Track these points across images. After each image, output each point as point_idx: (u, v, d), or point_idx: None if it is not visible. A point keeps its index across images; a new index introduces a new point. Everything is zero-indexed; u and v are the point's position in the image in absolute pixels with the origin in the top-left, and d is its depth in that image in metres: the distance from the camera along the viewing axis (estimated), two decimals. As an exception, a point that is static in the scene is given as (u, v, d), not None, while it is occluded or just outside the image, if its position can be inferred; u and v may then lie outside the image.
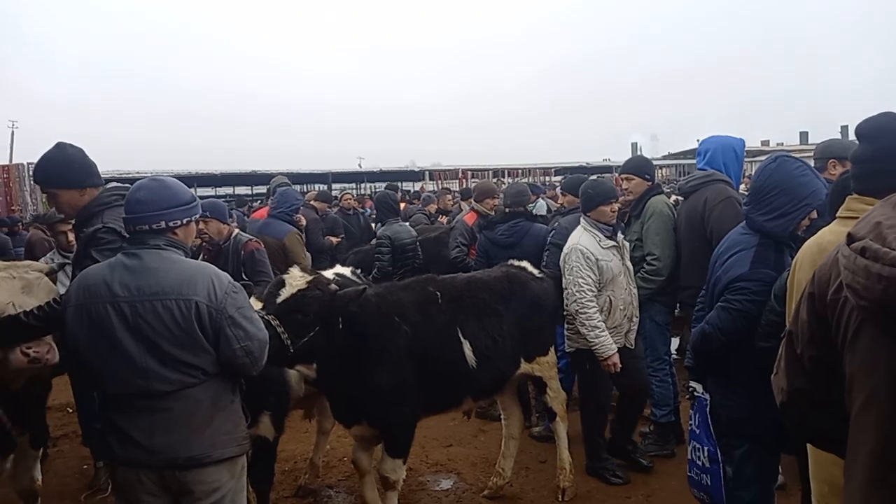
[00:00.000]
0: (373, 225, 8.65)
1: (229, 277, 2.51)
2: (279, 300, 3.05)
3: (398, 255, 6.15)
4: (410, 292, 3.73)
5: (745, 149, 4.77)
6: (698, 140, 4.85)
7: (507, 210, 5.52)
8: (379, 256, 6.15)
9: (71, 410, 6.23)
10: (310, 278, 3.16)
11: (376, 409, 3.43)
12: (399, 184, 23.53)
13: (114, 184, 3.34)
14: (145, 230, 2.45)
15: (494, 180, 20.30)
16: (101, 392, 2.51)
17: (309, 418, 4.62)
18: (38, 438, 3.59)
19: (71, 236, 4.64)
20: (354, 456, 3.71)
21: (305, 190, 25.92)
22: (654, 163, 6.81)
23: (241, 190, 30.77)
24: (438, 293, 3.74)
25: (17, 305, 2.78)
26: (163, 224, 2.46)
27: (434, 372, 3.55)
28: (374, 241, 6.80)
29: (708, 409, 3.08)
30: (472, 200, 6.68)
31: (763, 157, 4.65)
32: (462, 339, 3.69)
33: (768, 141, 39.64)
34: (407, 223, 7.02)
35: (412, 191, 23.87)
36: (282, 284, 3.12)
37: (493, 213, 6.07)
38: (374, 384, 3.35)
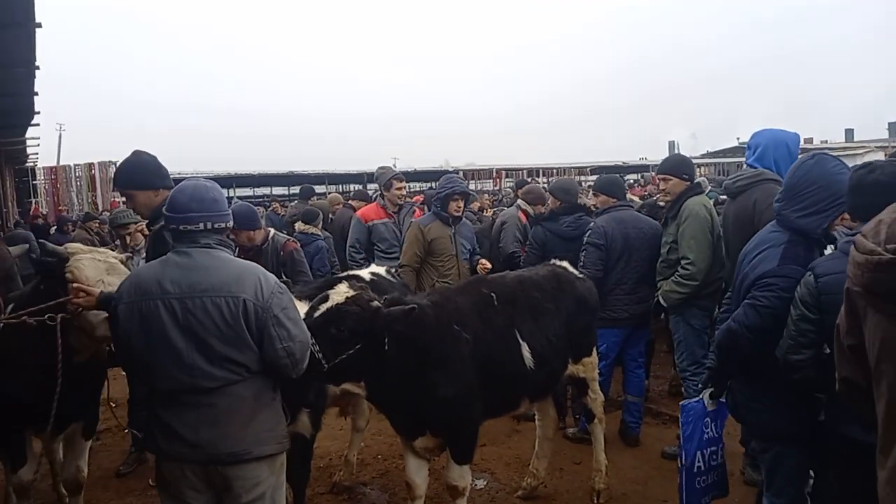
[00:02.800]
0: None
1: (276, 278, 2.57)
2: (316, 314, 2.97)
3: None
4: (466, 296, 3.65)
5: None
6: (738, 139, 4.70)
7: (560, 203, 5.50)
8: None
9: (115, 405, 6.40)
10: (352, 294, 3.04)
11: (443, 419, 3.35)
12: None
13: None
14: (203, 230, 2.52)
15: (529, 180, 20.18)
16: (148, 387, 2.58)
17: (344, 416, 4.67)
18: (90, 429, 3.81)
19: (133, 238, 4.92)
20: (410, 478, 3.54)
21: (342, 190, 26.29)
22: (693, 161, 6.65)
23: (279, 190, 31.25)
24: (493, 295, 3.68)
25: (106, 283, 3.07)
26: (225, 224, 2.57)
27: (495, 376, 3.50)
28: None
29: (704, 417, 3.10)
30: (520, 199, 6.63)
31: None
32: (520, 341, 3.65)
33: (812, 138, 38.60)
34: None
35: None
36: (325, 299, 3.04)
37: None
38: (440, 396, 3.25)
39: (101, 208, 18.40)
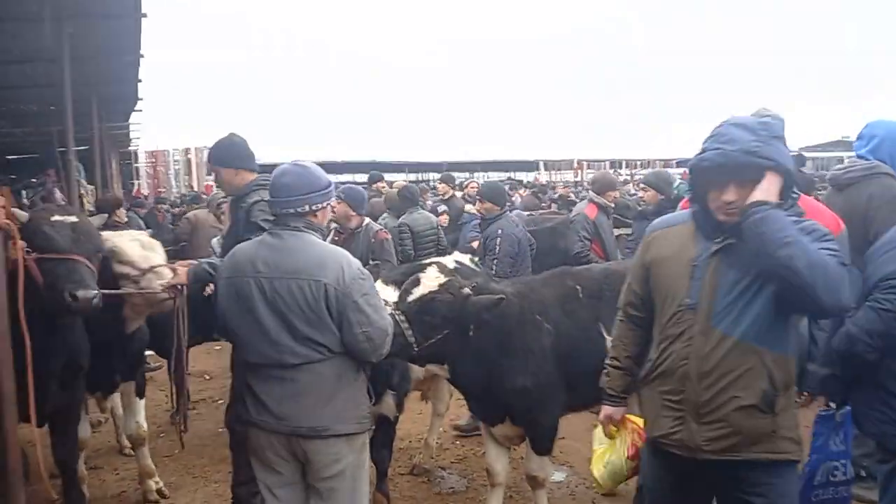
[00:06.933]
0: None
1: (360, 264, 2.63)
2: (410, 298, 3.03)
3: (417, 241, 6.60)
4: (550, 288, 3.62)
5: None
6: (843, 136, 4.32)
7: (661, 197, 5.38)
8: (400, 242, 6.57)
9: (208, 377, 6.78)
10: (444, 280, 3.10)
11: (522, 409, 3.36)
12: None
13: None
14: (290, 213, 2.60)
15: (611, 171, 19.76)
16: (243, 359, 2.72)
17: (425, 400, 4.75)
18: (141, 389, 4.23)
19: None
20: (490, 464, 3.57)
21: (420, 179, 26.53)
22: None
23: (360, 178, 31.83)
24: (579, 287, 3.64)
25: (147, 259, 3.56)
26: (306, 207, 2.62)
27: (577, 369, 3.45)
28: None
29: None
30: (591, 192, 6.50)
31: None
32: (605, 335, 3.54)
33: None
34: (427, 212, 7.21)
35: (525, 181, 23.71)
36: (416, 283, 3.10)
37: (613, 205, 5.96)
38: (519, 385, 3.28)
39: (196, 190, 19.37)
